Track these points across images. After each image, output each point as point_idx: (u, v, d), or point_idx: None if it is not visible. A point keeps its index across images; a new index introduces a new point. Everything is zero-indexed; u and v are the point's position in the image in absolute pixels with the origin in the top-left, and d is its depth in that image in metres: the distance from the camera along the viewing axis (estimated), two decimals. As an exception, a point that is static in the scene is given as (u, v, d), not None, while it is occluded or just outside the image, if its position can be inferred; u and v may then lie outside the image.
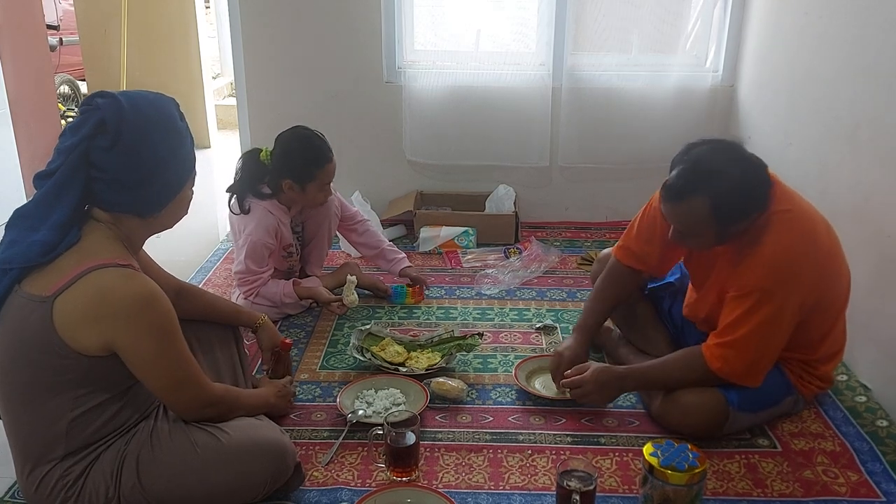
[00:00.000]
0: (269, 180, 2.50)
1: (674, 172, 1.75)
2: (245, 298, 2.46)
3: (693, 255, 1.99)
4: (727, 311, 1.79)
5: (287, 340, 2.03)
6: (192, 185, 1.55)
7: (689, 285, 2.09)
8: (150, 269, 1.70)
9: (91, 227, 1.44)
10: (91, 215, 1.46)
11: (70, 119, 5.09)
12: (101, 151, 1.39)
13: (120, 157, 1.39)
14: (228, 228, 2.74)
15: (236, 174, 2.56)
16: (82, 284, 1.36)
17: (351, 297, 2.51)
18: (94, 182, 1.41)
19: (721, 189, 1.68)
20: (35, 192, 1.43)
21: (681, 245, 1.87)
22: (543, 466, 1.79)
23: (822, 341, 1.87)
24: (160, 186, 1.46)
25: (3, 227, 1.43)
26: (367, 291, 2.74)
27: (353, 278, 2.55)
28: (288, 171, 2.44)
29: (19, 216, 1.43)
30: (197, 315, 1.85)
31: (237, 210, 2.48)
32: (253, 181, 2.51)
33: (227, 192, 2.56)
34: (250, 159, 2.54)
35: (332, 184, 2.54)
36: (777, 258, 1.72)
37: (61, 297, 1.36)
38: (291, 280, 2.56)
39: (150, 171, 1.43)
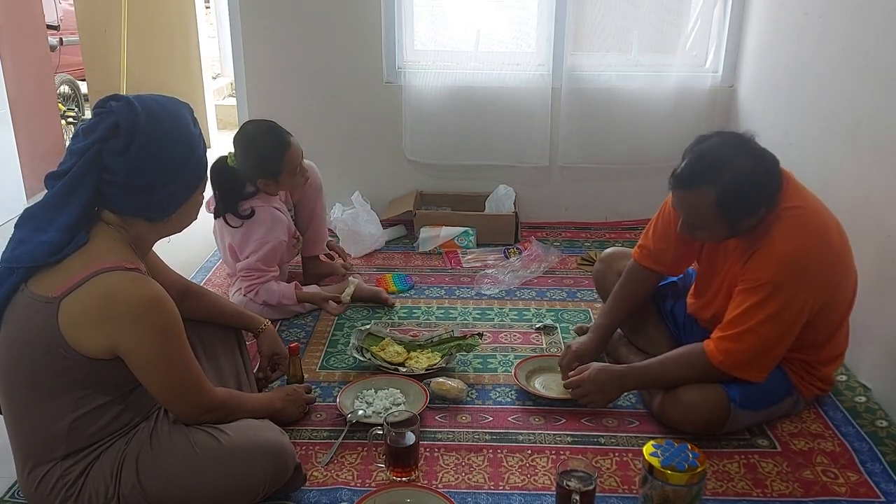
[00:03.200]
0: (245, 181, 2.47)
1: (683, 162, 1.76)
2: (244, 294, 2.46)
3: (704, 254, 2.00)
4: (734, 305, 1.78)
5: (293, 345, 2.03)
6: (203, 190, 1.55)
7: (693, 285, 2.09)
8: (158, 268, 1.70)
9: (100, 230, 1.44)
10: (100, 217, 1.46)
11: (70, 119, 5.12)
12: (113, 155, 1.39)
13: (132, 161, 1.39)
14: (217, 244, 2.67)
15: (214, 194, 2.48)
16: (89, 287, 1.36)
17: (348, 290, 2.50)
18: (105, 185, 1.41)
19: (727, 180, 1.69)
20: (44, 191, 1.44)
21: (690, 237, 1.87)
22: (543, 466, 1.79)
23: (826, 342, 1.87)
24: (171, 191, 1.46)
25: (5, 226, 1.43)
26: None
27: (356, 280, 2.56)
28: (257, 170, 2.42)
29: (28, 216, 1.43)
30: (201, 316, 1.86)
31: (237, 222, 2.43)
32: (234, 189, 2.45)
33: (215, 216, 2.50)
34: (221, 171, 2.42)
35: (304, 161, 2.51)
36: (789, 254, 1.71)
37: (67, 298, 1.36)
38: (293, 283, 2.55)
39: (161, 176, 1.43)
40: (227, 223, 2.46)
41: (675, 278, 2.18)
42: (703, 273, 2.01)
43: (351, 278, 2.56)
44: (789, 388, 1.89)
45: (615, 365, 1.99)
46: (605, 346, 2.17)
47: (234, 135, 2.48)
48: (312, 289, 2.59)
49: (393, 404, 1.97)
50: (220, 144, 5.24)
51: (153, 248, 1.63)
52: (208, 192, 2.42)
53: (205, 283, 2.86)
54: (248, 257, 2.45)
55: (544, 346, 2.40)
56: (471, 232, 3.22)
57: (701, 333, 1.96)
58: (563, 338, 2.44)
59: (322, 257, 2.88)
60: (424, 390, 2.01)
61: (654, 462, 1.53)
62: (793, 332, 1.76)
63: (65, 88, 5.24)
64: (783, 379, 1.88)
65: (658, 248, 2.05)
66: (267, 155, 2.40)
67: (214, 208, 2.51)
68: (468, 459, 1.82)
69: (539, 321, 2.55)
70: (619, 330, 2.28)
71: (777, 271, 1.72)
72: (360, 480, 1.74)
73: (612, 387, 1.90)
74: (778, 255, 1.72)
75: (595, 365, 1.93)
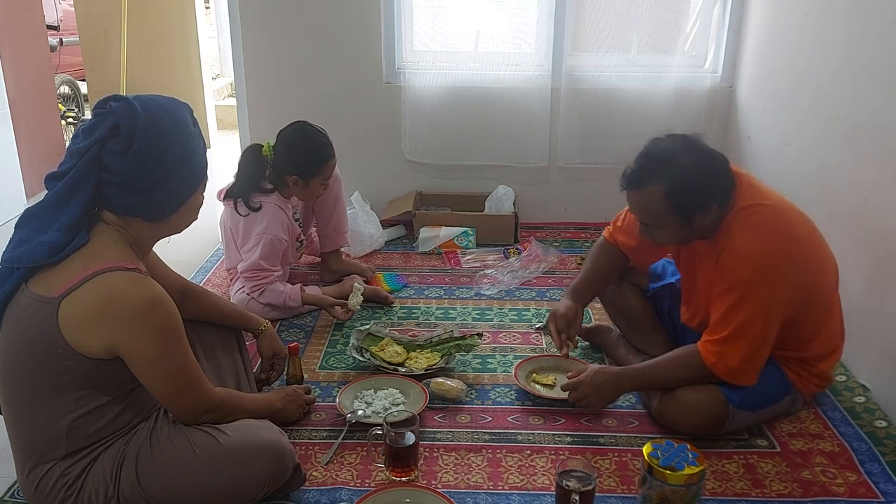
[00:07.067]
0: (270, 175, 2.52)
1: (632, 163, 1.80)
2: (249, 293, 2.46)
3: (682, 263, 2.01)
4: (715, 309, 1.80)
5: (293, 345, 2.04)
6: (203, 190, 1.56)
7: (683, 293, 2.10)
8: (158, 268, 1.71)
9: (100, 230, 1.44)
10: (100, 218, 1.46)
11: (70, 119, 5.12)
12: (113, 155, 1.39)
13: (132, 161, 1.39)
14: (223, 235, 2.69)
15: (236, 174, 2.56)
16: (89, 287, 1.37)
17: (356, 299, 2.51)
18: (105, 185, 1.41)
19: (674, 176, 1.73)
20: (44, 191, 1.44)
21: (651, 240, 1.90)
22: (542, 466, 1.79)
23: (815, 338, 1.86)
24: (170, 192, 1.47)
25: (5, 226, 1.44)
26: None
27: (360, 285, 2.56)
28: (293, 166, 2.47)
29: (29, 216, 1.44)
30: (201, 316, 1.86)
31: (245, 211, 2.47)
32: (255, 178, 2.52)
33: (225, 198, 2.55)
34: (251, 155, 2.54)
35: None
36: (750, 251, 1.74)
37: (67, 298, 1.36)
38: (298, 285, 2.56)
39: (160, 177, 1.43)
40: (235, 209, 2.49)
41: (672, 279, 2.18)
42: (685, 281, 2.03)
43: (356, 284, 2.57)
44: (787, 387, 1.89)
45: (612, 367, 1.99)
46: (585, 307, 2.18)
47: (283, 127, 2.54)
48: (315, 290, 2.60)
49: (392, 404, 1.97)
50: (220, 144, 5.24)
51: (153, 249, 1.63)
52: (219, 184, 2.49)
53: (205, 284, 2.86)
54: (249, 251, 2.46)
55: (544, 346, 2.40)
56: (470, 232, 3.23)
57: (698, 335, 1.96)
58: (563, 338, 2.44)
59: (343, 254, 2.90)
60: (424, 390, 2.01)
61: (654, 462, 1.53)
62: (774, 328, 1.76)
63: (65, 88, 5.24)
64: (781, 378, 1.88)
65: (626, 243, 2.09)
66: (313, 154, 2.47)
67: (227, 191, 2.54)
68: (467, 459, 1.82)
69: (538, 321, 2.55)
70: (617, 330, 2.29)
71: (743, 269, 1.74)
72: (359, 480, 1.74)
73: (609, 389, 1.90)
74: (740, 253, 1.75)
75: (593, 367, 1.94)
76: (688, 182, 1.72)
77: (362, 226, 3.17)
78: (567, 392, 1.94)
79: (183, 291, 1.80)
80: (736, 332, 1.75)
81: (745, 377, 1.79)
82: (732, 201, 1.78)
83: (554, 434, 1.92)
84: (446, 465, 1.80)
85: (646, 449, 1.57)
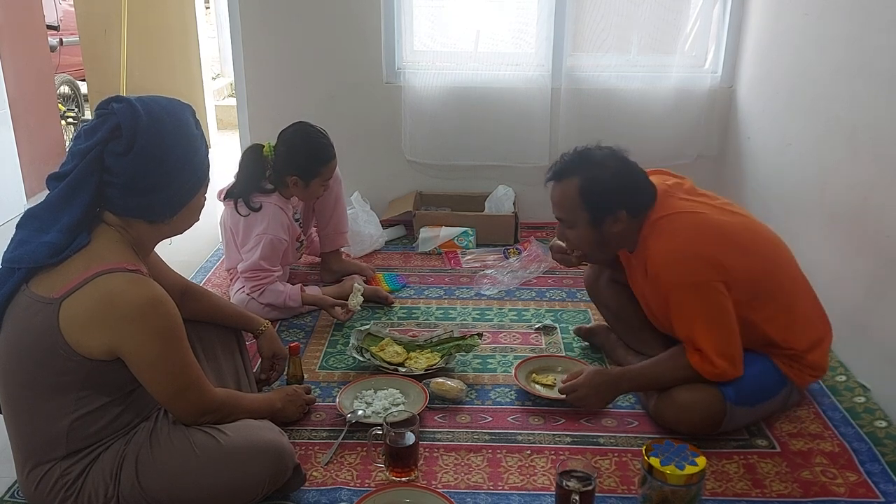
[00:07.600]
0: (271, 175, 2.52)
1: (559, 157, 1.90)
2: (249, 293, 2.46)
3: (631, 284, 2.04)
4: (672, 319, 1.84)
5: (293, 344, 2.04)
6: (205, 192, 1.56)
7: None
8: (159, 268, 1.71)
9: (101, 231, 1.44)
10: (101, 219, 1.46)
11: (70, 119, 5.12)
12: (114, 156, 1.39)
13: (133, 162, 1.40)
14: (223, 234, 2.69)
15: (236, 175, 2.56)
16: (90, 288, 1.36)
17: (356, 299, 2.51)
18: (107, 186, 1.42)
19: (592, 174, 1.83)
20: (44, 191, 1.44)
21: (565, 241, 1.97)
22: (542, 467, 1.79)
23: (788, 331, 1.85)
24: (172, 193, 1.47)
25: (5, 226, 1.44)
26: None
27: (360, 286, 2.56)
28: (293, 167, 2.47)
29: (30, 216, 1.44)
30: (201, 316, 1.86)
31: (245, 211, 2.48)
32: (256, 177, 2.52)
33: (225, 198, 2.55)
34: (251, 156, 2.54)
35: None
36: (666, 256, 1.80)
37: (68, 300, 1.36)
38: (298, 285, 2.56)
39: (162, 178, 1.43)
40: (235, 209, 2.50)
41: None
42: (636, 296, 2.06)
43: (356, 285, 2.57)
44: (783, 380, 1.89)
45: (611, 367, 1.99)
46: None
47: (284, 128, 2.54)
48: (315, 290, 2.60)
49: (392, 404, 1.97)
50: (220, 144, 5.24)
51: (154, 251, 1.63)
52: (219, 184, 2.49)
53: (205, 284, 2.86)
54: (249, 251, 2.46)
55: (544, 346, 2.40)
56: (470, 232, 3.23)
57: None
58: (563, 338, 2.44)
59: (343, 254, 2.91)
60: (424, 390, 2.01)
61: (654, 462, 1.53)
62: (728, 316, 1.78)
63: (65, 88, 5.24)
64: (775, 372, 1.87)
65: None
66: (313, 155, 2.48)
67: (228, 191, 2.54)
68: (467, 459, 1.82)
69: (538, 321, 2.55)
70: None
71: (666, 274, 1.80)
72: (359, 480, 1.74)
73: (608, 389, 1.90)
74: (658, 261, 1.81)
75: (591, 368, 1.94)
76: (603, 182, 1.82)
77: (362, 226, 3.17)
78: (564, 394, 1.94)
79: (183, 291, 1.80)
80: (695, 336, 1.79)
81: (730, 372, 1.79)
82: (645, 215, 1.85)
83: (554, 434, 1.92)
84: (446, 465, 1.80)
85: (646, 449, 1.57)
